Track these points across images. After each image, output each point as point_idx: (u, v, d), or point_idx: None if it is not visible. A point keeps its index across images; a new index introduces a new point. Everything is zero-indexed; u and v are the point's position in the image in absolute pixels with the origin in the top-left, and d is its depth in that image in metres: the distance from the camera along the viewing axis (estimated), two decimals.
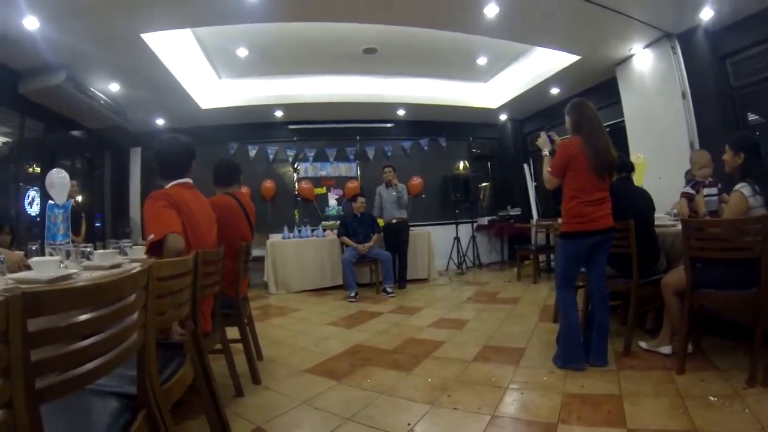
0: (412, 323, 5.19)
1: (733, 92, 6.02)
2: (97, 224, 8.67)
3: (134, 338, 1.31)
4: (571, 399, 2.79)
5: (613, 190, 3.46)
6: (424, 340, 4.42)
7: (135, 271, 1.24)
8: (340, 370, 3.63)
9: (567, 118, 3.50)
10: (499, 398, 2.90)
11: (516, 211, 10.13)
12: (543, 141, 3.75)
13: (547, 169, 3.52)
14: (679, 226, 3.82)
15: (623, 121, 7.30)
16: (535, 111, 10.07)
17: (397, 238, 7.75)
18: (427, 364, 3.70)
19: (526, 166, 10.34)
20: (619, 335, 3.72)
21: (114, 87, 6.99)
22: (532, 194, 10.14)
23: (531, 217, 9.98)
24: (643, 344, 3.56)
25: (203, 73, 7.62)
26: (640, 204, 3.80)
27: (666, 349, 3.39)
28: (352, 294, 6.83)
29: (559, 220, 3.51)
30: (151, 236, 2.34)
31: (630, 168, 4.15)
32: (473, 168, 10.76)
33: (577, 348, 3.30)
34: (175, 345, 2.05)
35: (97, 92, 6.91)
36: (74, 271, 2.11)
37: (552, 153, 3.63)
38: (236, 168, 4.05)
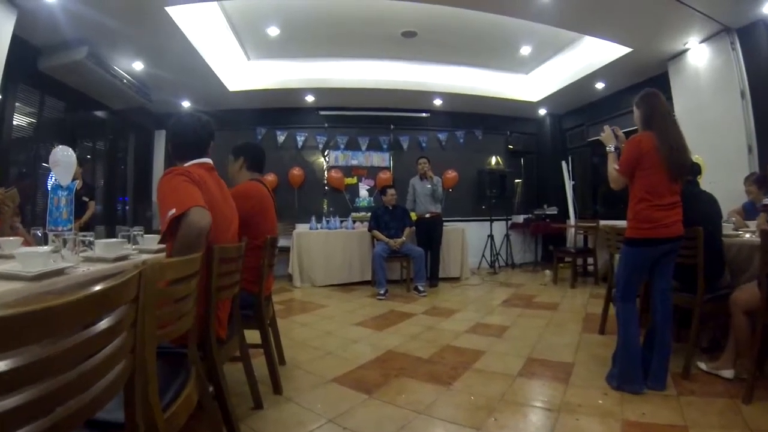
0: (446, 327, 4.81)
1: None
2: (118, 207, 8.44)
3: (119, 369, 0.95)
4: (632, 428, 2.45)
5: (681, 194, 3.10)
6: (462, 348, 4.04)
7: (112, 284, 0.88)
8: (372, 381, 3.26)
9: (636, 111, 3.14)
10: (552, 424, 2.54)
11: (552, 210, 9.65)
12: (608, 136, 3.35)
13: (614, 166, 3.15)
14: (745, 236, 3.57)
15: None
16: (576, 106, 9.57)
17: (430, 234, 7.36)
18: (468, 377, 3.32)
19: (564, 163, 9.92)
20: (674, 353, 3.30)
21: (138, 65, 6.67)
22: (570, 193, 9.73)
23: (567, 217, 9.62)
24: (702, 366, 3.21)
25: (231, 53, 7.27)
26: (709, 211, 3.43)
27: (728, 373, 3.05)
28: (382, 291, 6.47)
29: (601, 223, 3.15)
30: (172, 211, 1.90)
31: (698, 170, 3.79)
32: (509, 163, 10.31)
33: (636, 369, 2.95)
34: (180, 354, 1.70)
35: (120, 70, 6.60)
36: (69, 264, 1.79)
37: (616, 149, 3.28)
38: (264, 154, 3.71)
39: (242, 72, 7.79)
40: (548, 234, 9.76)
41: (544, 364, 3.56)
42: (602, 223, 7.50)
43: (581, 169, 9.92)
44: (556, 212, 9.63)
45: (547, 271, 8.95)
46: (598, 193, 9.63)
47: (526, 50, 7.76)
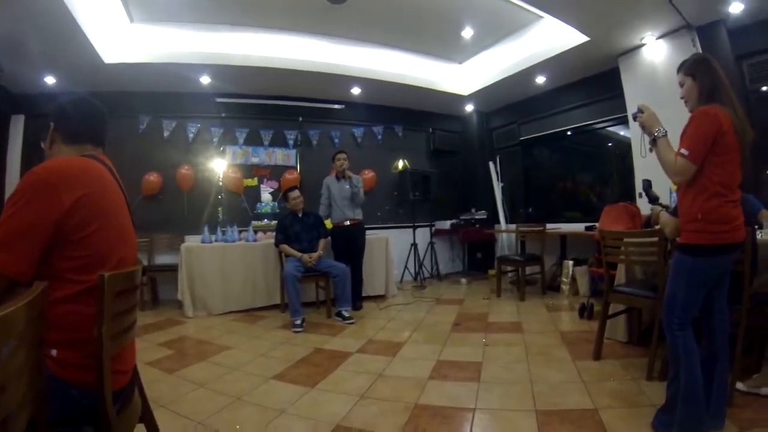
0: (401, 373, 3.53)
1: (748, 95, 5.51)
2: None
3: None
4: None
5: None
6: (440, 408, 2.81)
7: None
8: None
9: (690, 81, 2.41)
10: None
11: (481, 215, 8.76)
12: (652, 116, 2.48)
13: (680, 152, 2.26)
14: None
15: (625, 116, 6.55)
16: (507, 103, 8.78)
17: (350, 245, 6.07)
18: None
19: (491, 164, 9.24)
20: None
21: None
22: (499, 196, 9.00)
23: (497, 221, 8.88)
24: (740, 386, 2.79)
25: (109, 10, 5.50)
26: (746, 208, 2.73)
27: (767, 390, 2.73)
28: (298, 322, 5.04)
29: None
30: None
31: None
32: (432, 164, 9.29)
33: (702, 411, 2.29)
34: None
35: None
36: None
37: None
38: (101, 113, 1.85)
39: (123, 38, 5.97)
40: (475, 241, 8.95)
41: (564, 419, 2.58)
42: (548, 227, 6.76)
43: (510, 171, 9.21)
44: (485, 217, 8.75)
45: (463, 280, 8.32)
46: (530, 196, 8.94)
47: (468, 33, 6.87)
